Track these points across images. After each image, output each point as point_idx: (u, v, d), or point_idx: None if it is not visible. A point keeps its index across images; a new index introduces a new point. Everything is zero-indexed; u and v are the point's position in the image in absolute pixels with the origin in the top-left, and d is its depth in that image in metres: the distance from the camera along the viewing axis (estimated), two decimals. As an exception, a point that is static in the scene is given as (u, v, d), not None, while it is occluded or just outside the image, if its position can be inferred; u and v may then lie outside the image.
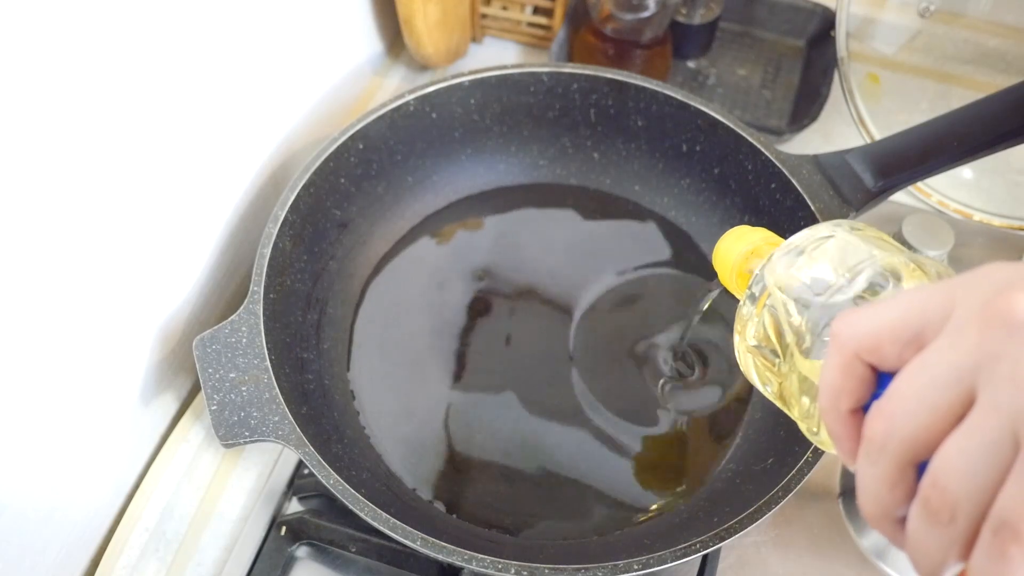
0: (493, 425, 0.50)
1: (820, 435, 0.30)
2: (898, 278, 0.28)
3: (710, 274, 0.56)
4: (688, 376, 0.52)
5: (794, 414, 0.31)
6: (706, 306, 0.47)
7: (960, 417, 0.21)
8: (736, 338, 0.33)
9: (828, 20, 0.68)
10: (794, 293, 0.30)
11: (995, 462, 0.20)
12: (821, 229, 0.32)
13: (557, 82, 0.56)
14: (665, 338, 0.53)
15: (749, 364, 0.33)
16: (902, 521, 0.23)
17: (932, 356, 0.22)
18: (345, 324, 0.54)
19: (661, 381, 0.51)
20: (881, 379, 0.24)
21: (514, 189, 0.60)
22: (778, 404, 0.32)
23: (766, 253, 0.33)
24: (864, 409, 0.24)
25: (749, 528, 0.39)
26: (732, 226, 0.55)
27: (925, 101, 0.64)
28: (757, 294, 0.32)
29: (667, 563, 0.38)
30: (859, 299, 0.28)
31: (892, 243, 0.30)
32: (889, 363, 0.23)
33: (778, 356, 0.31)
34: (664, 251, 0.57)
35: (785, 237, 0.33)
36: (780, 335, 0.31)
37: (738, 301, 0.34)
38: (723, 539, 0.39)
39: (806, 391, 0.30)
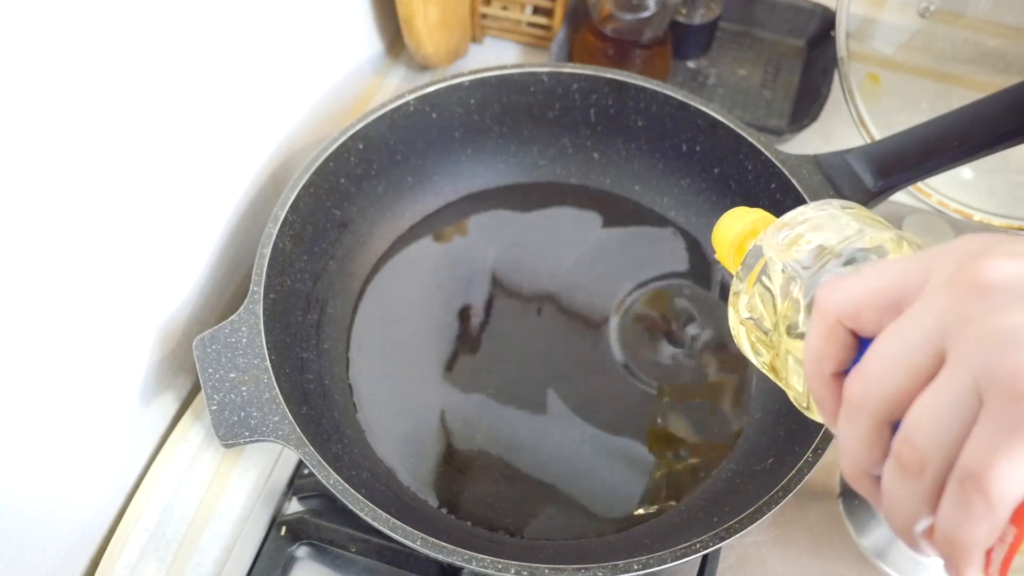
0: (493, 425, 0.50)
1: (809, 406, 0.30)
2: (884, 253, 0.29)
3: (710, 275, 0.56)
4: (690, 346, 0.53)
5: (784, 385, 0.32)
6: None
7: (932, 377, 0.22)
8: (730, 311, 0.35)
9: (828, 20, 0.68)
10: (784, 267, 0.31)
11: (960, 417, 0.21)
12: (813, 207, 0.33)
13: (557, 82, 0.56)
14: (664, 325, 0.53)
15: (742, 336, 0.34)
16: (879, 480, 0.24)
17: (907, 321, 0.23)
18: (345, 324, 0.54)
19: (665, 349, 0.53)
20: (862, 345, 0.25)
21: (514, 189, 0.60)
22: (770, 375, 0.33)
23: (761, 230, 0.35)
24: (846, 374, 0.25)
25: (749, 528, 0.39)
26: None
27: (925, 101, 0.64)
28: (749, 269, 0.33)
29: (667, 563, 0.38)
30: (840, 272, 0.29)
31: (881, 221, 0.31)
32: (869, 329, 0.24)
33: (769, 329, 0.32)
34: (665, 251, 0.57)
35: None
36: (771, 308, 0.32)
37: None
38: (723, 539, 0.39)
39: (795, 362, 0.31)
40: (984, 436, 0.20)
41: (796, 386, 0.31)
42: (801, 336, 0.30)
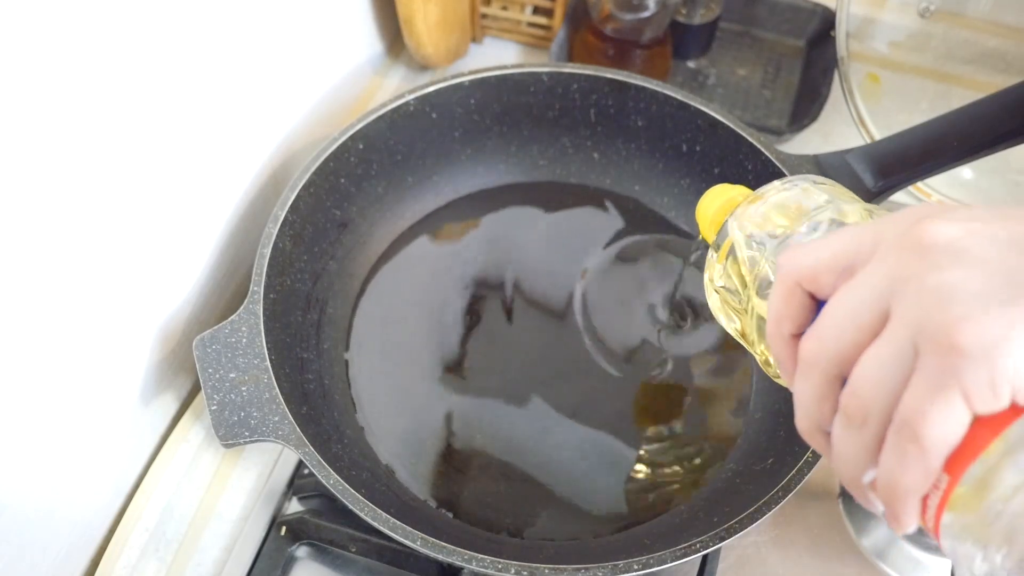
0: (493, 425, 0.50)
1: (773, 368, 0.32)
2: (849, 223, 0.31)
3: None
4: (682, 325, 0.54)
5: (753, 350, 0.33)
6: (693, 258, 0.50)
7: (878, 334, 0.23)
8: (705, 279, 0.36)
9: (828, 20, 0.68)
10: (754, 237, 0.33)
11: (899, 370, 0.22)
12: (786, 181, 0.34)
13: (557, 82, 0.56)
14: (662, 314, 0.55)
15: (716, 304, 0.36)
16: (830, 437, 0.25)
17: (857, 282, 0.24)
18: (345, 324, 0.54)
19: (657, 328, 0.54)
20: (820, 307, 0.26)
21: (514, 189, 0.60)
22: (741, 341, 0.35)
23: (736, 202, 0.36)
24: None
25: (749, 528, 0.39)
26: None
27: (925, 101, 0.64)
28: (723, 239, 0.35)
29: (667, 563, 0.38)
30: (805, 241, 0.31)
31: (851, 196, 0.33)
32: (825, 292, 0.26)
33: (740, 296, 0.33)
34: (665, 251, 0.57)
35: None
36: (741, 276, 0.33)
37: None
38: (723, 539, 0.39)
39: (761, 327, 0.32)
40: (918, 387, 0.22)
41: (764, 351, 0.32)
42: (762, 298, 0.31)
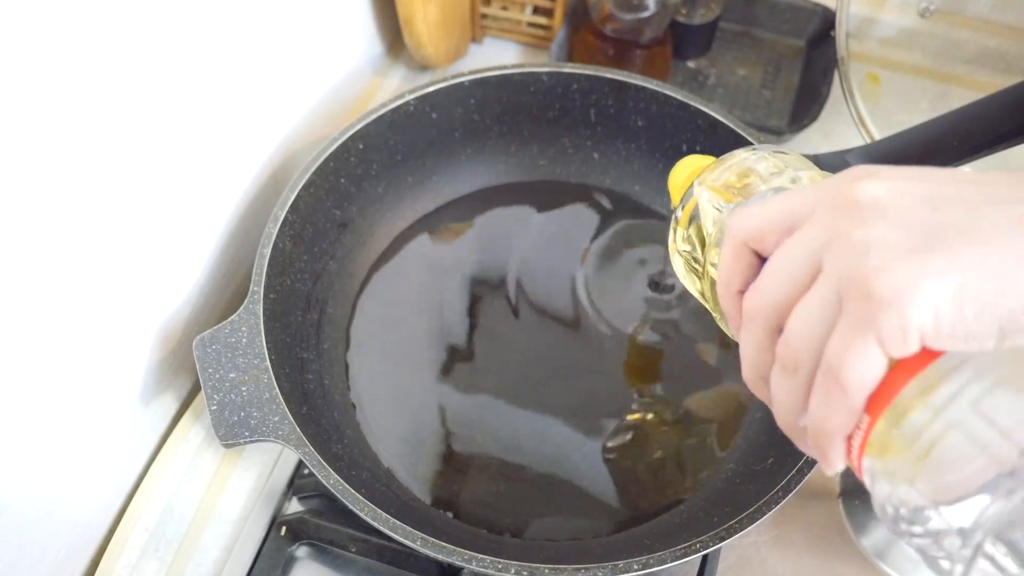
0: (493, 425, 0.50)
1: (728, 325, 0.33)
2: (800, 186, 0.32)
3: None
4: (668, 294, 0.55)
5: (712, 310, 0.35)
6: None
7: (810, 287, 0.25)
8: (669, 243, 0.37)
9: (828, 20, 0.68)
10: (713, 202, 0.34)
11: (826, 319, 0.24)
12: (746, 150, 0.36)
13: (557, 82, 0.56)
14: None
15: (680, 267, 0.37)
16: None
17: (795, 239, 0.26)
18: (345, 324, 0.54)
19: (645, 297, 0.55)
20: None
21: (514, 188, 0.60)
22: (702, 302, 0.36)
23: (702, 170, 0.37)
24: None
25: (749, 528, 0.39)
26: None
27: (925, 101, 0.64)
28: (685, 203, 0.36)
29: (667, 563, 0.38)
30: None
31: (808, 163, 0.34)
32: (770, 250, 0.27)
33: (700, 258, 0.35)
34: (665, 252, 0.57)
35: None
36: (702, 239, 0.35)
37: None
38: (723, 539, 0.39)
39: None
40: (840, 333, 0.23)
41: (719, 309, 0.34)
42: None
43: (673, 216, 0.37)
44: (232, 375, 0.43)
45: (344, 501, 0.39)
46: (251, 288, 0.45)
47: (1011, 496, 0.21)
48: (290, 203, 0.49)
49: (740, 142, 0.52)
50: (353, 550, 0.46)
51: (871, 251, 0.23)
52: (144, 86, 0.40)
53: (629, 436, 0.50)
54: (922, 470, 0.22)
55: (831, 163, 0.49)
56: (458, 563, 0.38)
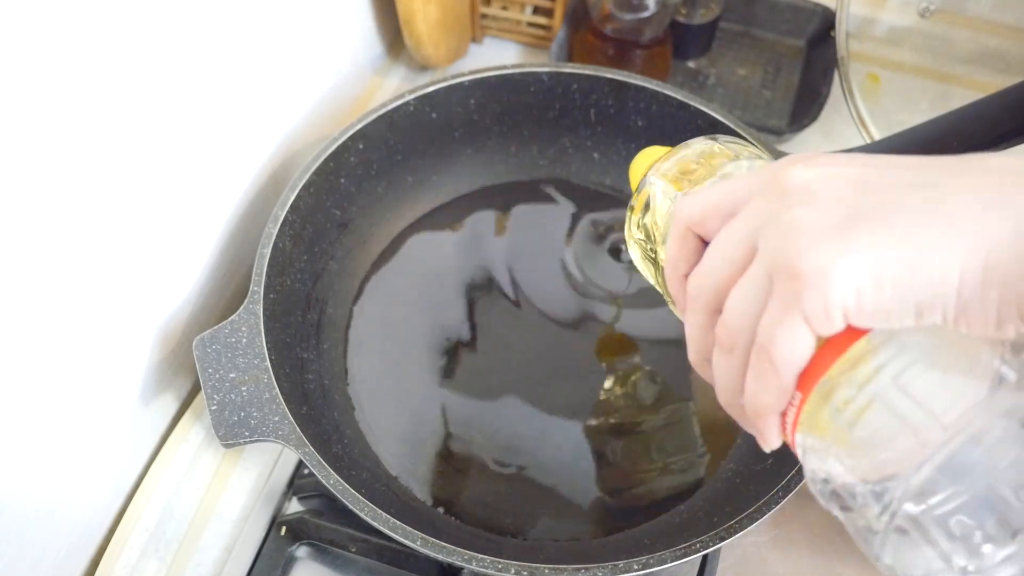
0: (493, 425, 0.50)
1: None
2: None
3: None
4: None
5: (664, 295, 0.35)
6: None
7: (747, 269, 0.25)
8: (626, 231, 0.38)
9: (828, 20, 0.68)
10: (666, 191, 0.35)
11: (759, 299, 0.24)
12: (700, 139, 0.36)
13: (557, 82, 0.56)
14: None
15: (636, 255, 0.38)
16: None
17: (733, 223, 0.27)
18: (345, 324, 0.53)
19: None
20: None
21: (514, 188, 0.60)
22: (658, 289, 0.37)
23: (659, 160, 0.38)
24: None
25: (749, 528, 0.39)
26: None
27: (925, 101, 0.64)
28: (639, 192, 0.37)
29: (667, 563, 0.38)
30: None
31: (761, 151, 0.35)
32: (713, 235, 0.28)
33: (654, 246, 0.35)
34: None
35: None
36: (652, 224, 0.35)
37: None
38: (723, 539, 0.39)
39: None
40: (770, 312, 0.24)
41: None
42: None
43: (629, 204, 0.38)
44: (232, 375, 0.43)
45: (344, 501, 0.39)
46: (251, 288, 0.45)
47: (926, 468, 0.21)
48: (290, 203, 0.49)
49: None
50: (353, 550, 0.46)
51: (797, 232, 0.23)
52: (144, 86, 0.40)
53: (629, 436, 0.50)
54: (848, 444, 0.23)
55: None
56: (458, 563, 0.38)
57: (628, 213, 0.38)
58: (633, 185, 0.40)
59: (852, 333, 0.23)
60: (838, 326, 0.23)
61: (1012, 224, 0.21)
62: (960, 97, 0.62)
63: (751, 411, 0.26)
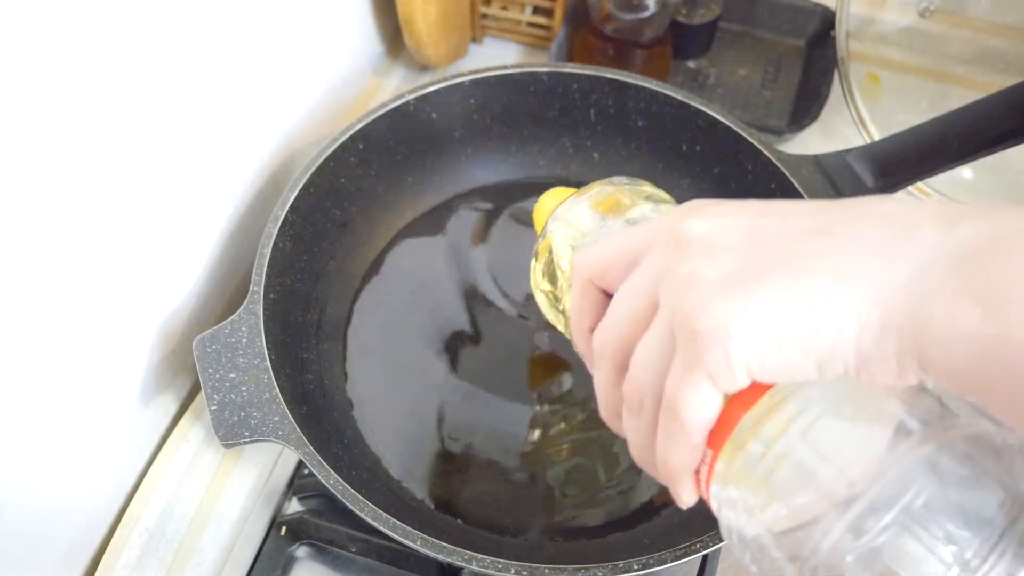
0: (493, 425, 0.50)
1: None
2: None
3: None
4: None
5: (575, 346, 0.34)
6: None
7: (650, 324, 0.25)
8: (531, 279, 0.37)
9: (828, 20, 0.68)
10: (566, 237, 0.34)
11: (663, 356, 0.24)
12: (602, 183, 0.36)
13: (557, 82, 0.56)
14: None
15: (543, 303, 0.37)
16: None
17: (633, 277, 0.26)
18: (345, 324, 0.53)
19: None
20: None
21: (514, 188, 0.60)
22: (570, 340, 0.35)
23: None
24: None
25: (749, 528, 0.39)
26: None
27: (925, 101, 0.64)
28: (543, 238, 0.36)
29: (667, 563, 0.38)
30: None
31: (663, 195, 0.34)
32: (615, 286, 0.27)
33: (555, 289, 0.35)
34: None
35: None
36: (554, 271, 0.35)
37: None
38: (723, 539, 0.39)
39: None
40: (675, 371, 0.23)
41: None
42: None
43: (534, 250, 0.36)
44: (232, 375, 0.43)
45: (344, 501, 0.39)
46: (251, 288, 0.45)
47: (838, 525, 0.21)
48: (290, 203, 0.49)
49: (740, 142, 0.52)
50: (353, 550, 0.46)
51: (694, 287, 0.23)
52: (144, 86, 0.40)
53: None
54: (760, 499, 0.23)
55: (831, 163, 0.50)
56: (458, 563, 0.38)
57: (532, 260, 0.36)
58: (537, 229, 0.39)
59: (757, 388, 0.23)
60: (743, 383, 0.23)
61: (905, 271, 0.21)
62: (960, 97, 0.62)
63: (664, 471, 0.25)
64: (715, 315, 0.22)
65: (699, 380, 0.23)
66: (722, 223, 0.24)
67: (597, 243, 0.28)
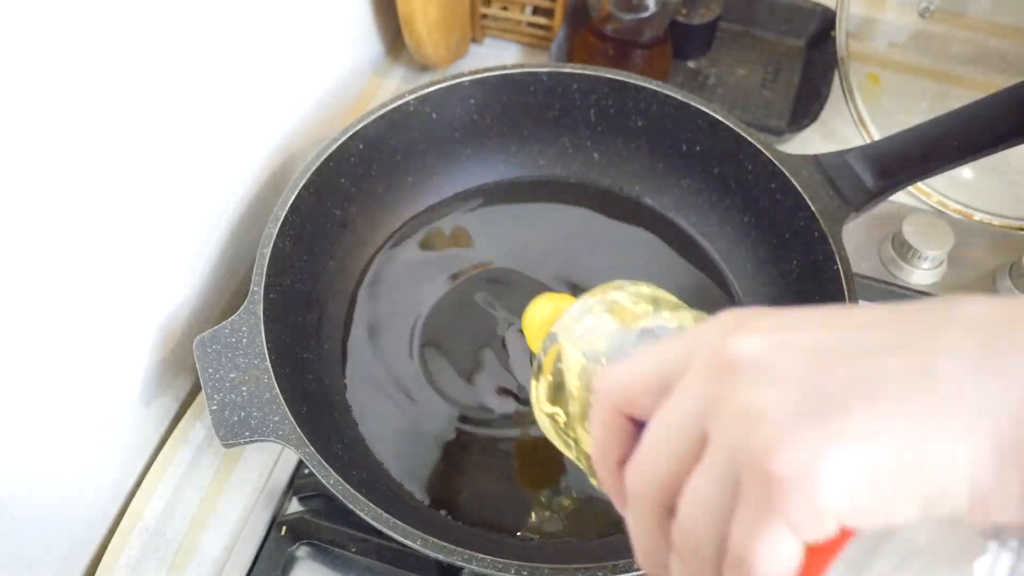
0: (493, 424, 0.50)
1: None
2: (668, 333, 0.28)
3: (712, 273, 0.56)
4: None
5: (590, 476, 0.30)
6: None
7: (698, 460, 0.21)
8: (532, 400, 0.33)
9: (828, 20, 0.68)
10: (576, 357, 0.30)
11: (723, 501, 0.20)
12: (605, 288, 0.32)
13: (557, 82, 0.56)
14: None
15: (548, 427, 0.33)
16: None
17: (670, 405, 0.22)
18: (345, 324, 0.53)
19: None
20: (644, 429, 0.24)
21: (514, 188, 0.60)
22: (581, 467, 0.31)
23: (560, 314, 0.33)
24: None
25: (749, 528, 0.39)
26: (732, 226, 0.55)
27: (925, 101, 0.64)
28: (544, 356, 0.32)
29: (667, 563, 0.38)
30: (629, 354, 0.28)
31: (675, 301, 0.31)
32: (645, 414, 0.24)
33: (563, 414, 0.31)
34: (665, 251, 0.57)
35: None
36: (562, 393, 0.30)
37: None
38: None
39: (587, 448, 0.29)
40: (744, 519, 0.20)
41: None
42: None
43: (533, 366, 0.32)
44: (232, 375, 0.43)
45: (344, 501, 0.39)
46: (251, 288, 0.45)
47: None
48: (290, 203, 0.49)
49: (740, 142, 0.52)
50: (353, 550, 0.46)
51: (760, 422, 0.20)
52: (145, 86, 0.40)
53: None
54: None
55: (831, 163, 0.50)
56: (458, 563, 0.38)
57: (532, 381, 0.33)
58: (532, 343, 0.35)
59: (843, 533, 0.20)
60: (831, 531, 0.19)
61: (1019, 390, 0.18)
62: (960, 97, 0.62)
63: None
64: (793, 456, 0.19)
65: (777, 531, 0.19)
66: (778, 340, 0.21)
67: (620, 364, 0.25)
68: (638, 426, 0.24)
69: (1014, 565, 0.19)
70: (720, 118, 0.52)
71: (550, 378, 0.32)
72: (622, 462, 0.25)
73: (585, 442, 0.30)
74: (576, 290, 0.55)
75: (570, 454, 0.32)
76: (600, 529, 0.46)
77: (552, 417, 0.32)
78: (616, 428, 0.25)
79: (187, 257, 0.49)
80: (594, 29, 0.65)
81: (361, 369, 0.52)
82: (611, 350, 0.29)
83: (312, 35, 0.57)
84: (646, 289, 0.32)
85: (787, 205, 0.50)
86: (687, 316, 0.30)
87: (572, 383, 0.30)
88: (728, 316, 0.23)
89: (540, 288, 0.55)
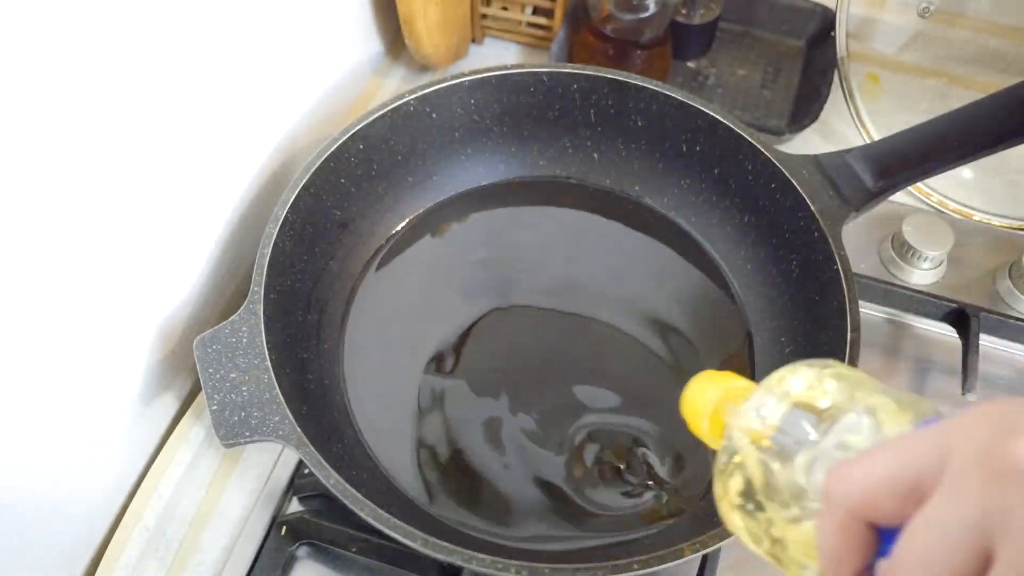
0: (492, 425, 0.50)
1: None
2: (881, 422, 0.26)
3: (712, 273, 0.56)
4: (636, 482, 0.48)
5: (789, 574, 0.28)
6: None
7: None
8: (717, 495, 0.31)
9: (828, 20, 0.68)
10: (771, 445, 0.28)
11: None
12: (791, 369, 0.30)
13: (557, 82, 0.56)
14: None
15: (736, 523, 0.31)
16: None
17: (937, 512, 0.20)
18: (345, 324, 0.53)
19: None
20: (884, 535, 0.22)
21: (514, 188, 0.60)
22: (775, 564, 0.29)
23: (739, 398, 0.31)
24: (869, 570, 0.22)
25: (749, 528, 0.39)
26: (732, 226, 0.55)
27: (925, 101, 0.64)
28: (732, 448, 0.30)
29: (667, 563, 0.38)
30: (841, 447, 0.26)
31: (874, 382, 0.28)
32: (890, 520, 0.22)
33: (763, 513, 0.29)
34: (664, 252, 0.57)
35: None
36: (762, 491, 0.28)
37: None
38: (723, 539, 0.38)
39: (799, 551, 0.27)
40: None
41: None
42: (800, 521, 0.27)
43: (716, 460, 0.30)
44: (232, 375, 0.43)
45: (344, 501, 0.39)
46: (252, 288, 0.45)
47: None
48: (290, 203, 0.49)
49: (740, 142, 0.52)
50: (353, 550, 0.46)
51: None
52: (145, 86, 0.40)
53: (628, 440, 0.50)
54: None
55: (831, 163, 0.50)
56: (458, 563, 0.38)
57: (715, 475, 0.30)
58: (696, 424, 0.33)
59: None
60: None
61: None
62: (960, 97, 0.62)
63: None
64: None
65: None
66: None
67: (851, 463, 0.23)
68: (875, 532, 0.22)
69: None
70: (720, 118, 0.52)
71: (737, 474, 0.29)
72: (860, 572, 0.22)
73: (798, 546, 0.27)
74: (576, 290, 0.55)
75: (759, 550, 0.30)
76: (600, 529, 0.46)
77: (744, 515, 0.29)
78: (853, 536, 0.22)
79: (187, 257, 0.49)
80: (594, 29, 0.65)
81: (362, 369, 0.52)
82: (811, 443, 0.27)
83: (312, 35, 0.57)
84: (842, 373, 0.29)
85: (787, 205, 0.50)
86: (890, 401, 0.27)
87: (766, 479, 0.28)
88: (994, 412, 0.20)
89: (539, 288, 0.55)
